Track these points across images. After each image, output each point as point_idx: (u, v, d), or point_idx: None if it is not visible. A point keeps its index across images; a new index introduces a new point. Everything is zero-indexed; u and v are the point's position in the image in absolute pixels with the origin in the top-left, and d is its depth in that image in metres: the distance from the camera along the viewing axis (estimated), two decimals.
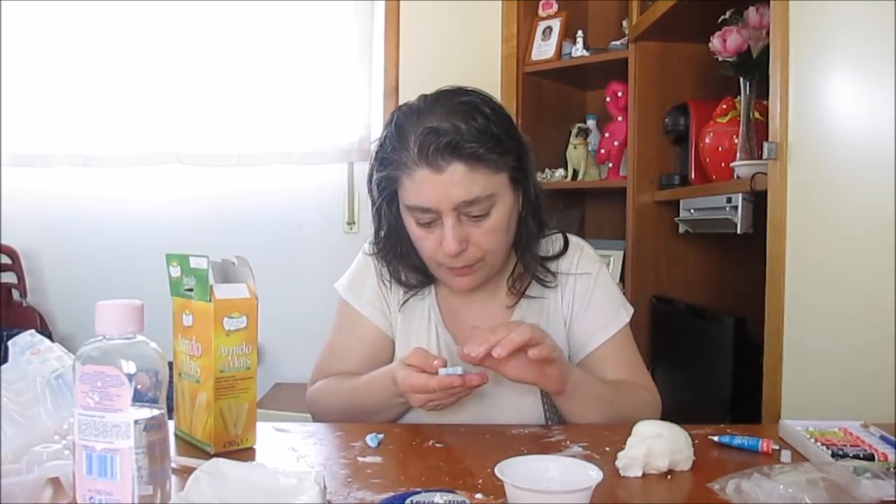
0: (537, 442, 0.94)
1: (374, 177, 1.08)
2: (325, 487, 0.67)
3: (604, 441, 0.93)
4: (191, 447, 0.91)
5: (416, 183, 1.01)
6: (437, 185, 0.99)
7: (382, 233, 1.13)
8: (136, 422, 0.63)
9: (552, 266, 1.15)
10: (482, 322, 1.16)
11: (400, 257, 1.14)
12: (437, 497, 0.69)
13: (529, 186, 1.09)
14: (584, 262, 1.17)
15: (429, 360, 0.94)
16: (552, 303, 1.16)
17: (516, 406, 1.10)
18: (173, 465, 0.77)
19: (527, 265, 1.13)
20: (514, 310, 1.16)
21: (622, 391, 1.09)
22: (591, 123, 2.67)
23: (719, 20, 1.80)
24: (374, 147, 1.09)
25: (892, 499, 0.72)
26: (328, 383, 1.15)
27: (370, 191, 1.11)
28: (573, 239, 1.20)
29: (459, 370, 0.92)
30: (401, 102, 1.09)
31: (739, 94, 1.84)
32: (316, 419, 1.16)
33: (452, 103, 1.02)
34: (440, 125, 0.99)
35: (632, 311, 1.18)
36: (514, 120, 1.08)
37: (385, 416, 1.07)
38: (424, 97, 1.07)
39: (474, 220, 1.03)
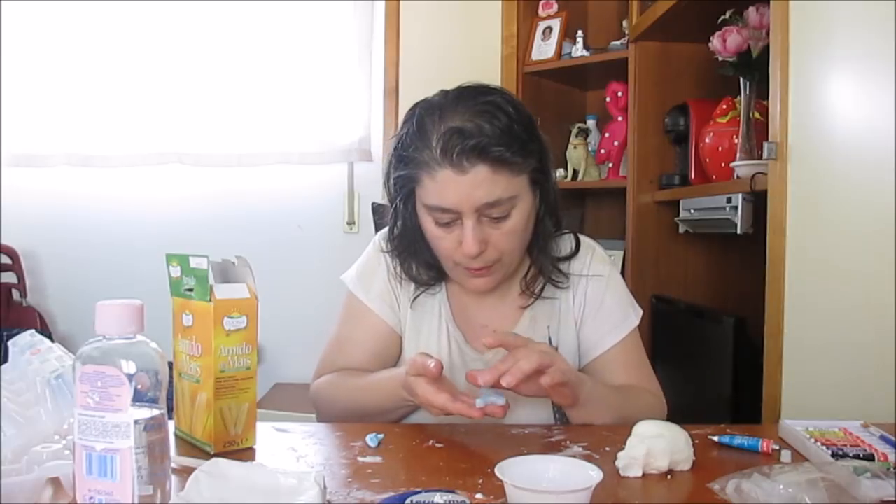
0: (537, 442, 0.94)
1: (392, 174, 1.07)
2: (325, 487, 0.67)
3: (604, 441, 0.93)
4: (191, 447, 0.91)
5: (437, 183, 0.99)
6: (460, 187, 0.98)
7: (397, 230, 1.12)
8: (136, 422, 0.62)
9: (564, 267, 1.15)
10: (493, 321, 1.16)
11: (414, 254, 1.13)
12: (437, 497, 0.69)
13: (549, 187, 1.09)
14: (596, 264, 1.17)
15: (427, 366, 0.93)
16: (563, 303, 1.16)
17: (527, 407, 1.08)
18: (173, 465, 0.77)
19: (542, 267, 1.13)
20: (526, 310, 1.16)
21: (629, 396, 1.09)
22: (591, 123, 2.67)
23: (719, 20, 1.80)
24: (391, 143, 1.08)
25: (892, 499, 0.72)
26: (333, 379, 1.14)
27: (387, 187, 1.10)
28: (585, 240, 1.19)
29: (501, 399, 0.91)
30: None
31: (739, 94, 1.84)
32: (320, 415, 1.15)
33: (476, 102, 1.00)
34: (464, 125, 0.97)
35: (641, 313, 1.18)
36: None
37: (390, 417, 1.07)
38: (445, 94, 1.05)
39: (494, 222, 1.02)
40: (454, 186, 0.98)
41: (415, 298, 1.16)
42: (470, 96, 1.02)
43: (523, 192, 1.03)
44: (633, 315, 1.17)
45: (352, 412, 1.09)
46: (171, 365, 0.81)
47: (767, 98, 1.52)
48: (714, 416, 1.70)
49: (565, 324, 1.16)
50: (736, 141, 1.85)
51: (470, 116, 0.99)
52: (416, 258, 1.13)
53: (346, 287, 1.20)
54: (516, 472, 0.70)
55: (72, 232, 2.83)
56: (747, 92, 1.80)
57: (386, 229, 1.19)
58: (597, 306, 1.15)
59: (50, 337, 1.63)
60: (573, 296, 1.16)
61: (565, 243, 1.17)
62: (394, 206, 1.10)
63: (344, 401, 1.11)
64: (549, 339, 1.14)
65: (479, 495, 0.74)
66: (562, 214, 1.14)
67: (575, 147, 2.59)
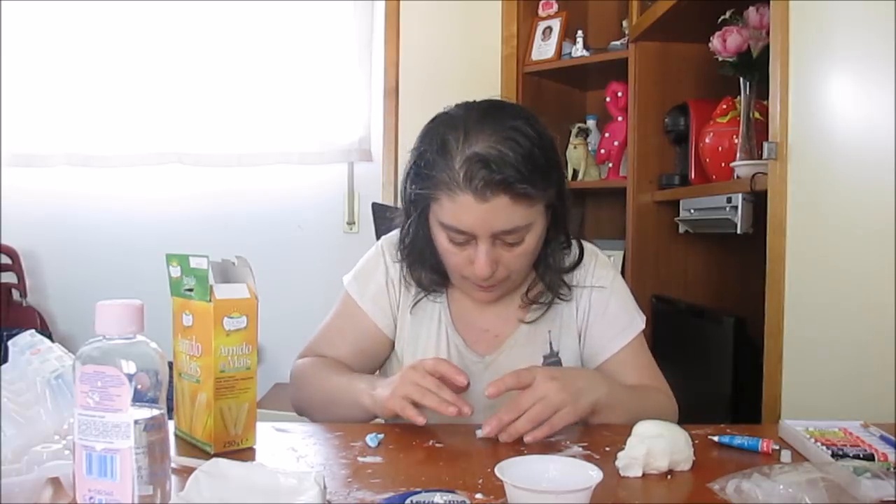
0: (537, 442, 0.94)
1: (410, 188, 1.06)
2: (325, 487, 0.67)
3: (604, 441, 0.93)
4: (191, 447, 0.91)
5: (456, 206, 0.99)
6: (479, 213, 0.98)
7: (408, 240, 1.12)
8: (136, 422, 0.62)
9: (567, 277, 1.15)
10: (494, 326, 1.16)
11: (422, 262, 1.13)
12: (437, 497, 0.69)
13: (564, 211, 1.09)
14: (599, 272, 1.17)
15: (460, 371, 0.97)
16: (565, 308, 1.16)
17: None
18: (173, 465, 0.77)
19: (550, 284, 1.13)
20: (524, 311, 1.16)
21: (643, 396, 1.10)
22: (591, 123, 2.67)
23: (719, 20, 1.80)
24: (410, 156, 1.06)
25: (892, 499, 0.72)
26: (316, 363, 1.14)
27: (402, 198, 1.10)
28: (587, 247, 1.19)
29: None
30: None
31: (739, 94, 1.84)
32: (293, 393, 1.15)
33: (502, 126, 0.99)
34: (488, 153, 0.97)
35: (645, 317, 1.19)
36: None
37: (348, 418, 1.06)
38: (468, 109, 1.04)
39: (508, 245, 1.03)
40: (473, 212, 0.98)
41: (415, 304, 1.16)
42: (495, 118, 1.01)
43: (538, 217, 1.04)
44: (638, 319, 1.18)
45: (317, 400, 1.10)
46: (171, 365, 0.81)
47: (767, 98, 1.52)
48: (714, 416, 1.69)
49: (567, 329, 1.16)
50: (736, 141, 1.85)
51: (493, 142, 0.98)
52: (424, 266, 1.13)
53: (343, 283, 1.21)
54: (516, 472, 0.70)
55: (72, 232, 2.83)
56: (747, 92, 1.80)
57: (392, 234, 1.19)
58: (601, 312, 1.16)
59: (50, 337, 1.63)
60: (576, 304, 1.16)
61: (569, 252, 1.17)
62: (409, 218, 1.10)
63: (319, 390, 1.11)
64: (550, 344, 1.15)
65: (479, 495, 0.74)
66: (571, 231, 1.14)
67: (575, 147, 2.59)
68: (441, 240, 1.05)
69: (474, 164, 0.97)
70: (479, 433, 0.94)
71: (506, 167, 0.96)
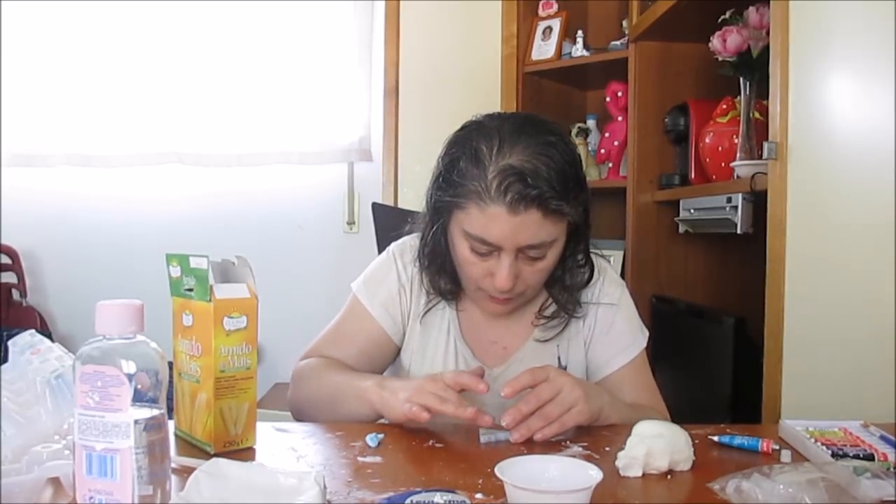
0: (537, 442, 0.94)
1: (436, 194, 1.06)
2: (325, 487, 0.67)
3: (604, 441, 0.93)
4: (191, 447, 0.91)
5: (486, 216, 0.98)
6: (508, 226, 0.98)
7: (428, 248, 1.12)
8: (136, 422, 0.62)
9: (578, 294, 1.15)
10: (503, 338, 1.17)
11: (443, 270, 1.13)
12: (437, 497, 0.69)
13: (587, 231, 1.09)
14: (608, 288, 1.17)
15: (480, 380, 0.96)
16: (574, 325, 1.16)
17: None
18: (173, 465, 0.77)
19: (565, 305, 1.13)
20: (536, 328, 1.16)
21: (639, 413, 1.09)
22: (591, 123, 2.67)
23: (719, 20, 1.80)
24: (439, 162, 1.06)
25: (892, 499, 0.72)
26: (320, 362, 1.13)
27: (427, 206, 1.09)
28: (598, 262, 1.18)
29: (502, 436, 0.93)
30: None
31: (739, 94, 1.84)
32: (293, 393, 1.14)
33: (538, 142, 0.99)
34: (523, 167, 0.96)
35: (647, 334, 1.19)
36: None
37: (352, 416, 1.06)
38: (502, 120, 1.03)
39: (530, 260, 1.03)
40: (502, 224, 0.98)
41: (425, 312, 1.16)
42: (530, 132, 1.00)
43: (562, 234, 1.04)
44: (641, 337, 1.18)
45: (322, 402, 1.08)
46: (171, 365, 0.81)
47: (767, 98, 1.52)
48: (714, 416, 1.70)
49: (575, 343, 1.17)
50: (736, 141, 1.85)
51: (528, 156, 0.97)
52: (444, 273, 1.13)
53: (351, 289, 1.20)
54: (516, 472, 0.70)
55: (72, 232, 2.83)
56: (747, 92, 1.80)
57: (403, 241, 1.19)
58: (606, 329, 1.16)
59: (50, 337, 1.63)
60: (584, 320, 1.17)
61: (585, 270, 1.16)
62: (433, 226, 1.09)
63: (319, 386, 1.10)
64: (559, 358, 1.16)
65: (479, 495, 0.74)
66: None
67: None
68: (462, 249, 1.04)
69: (509, 176, 0.96)
70: (483, 439, 0.94)
71: (541, 182, 0.96)
